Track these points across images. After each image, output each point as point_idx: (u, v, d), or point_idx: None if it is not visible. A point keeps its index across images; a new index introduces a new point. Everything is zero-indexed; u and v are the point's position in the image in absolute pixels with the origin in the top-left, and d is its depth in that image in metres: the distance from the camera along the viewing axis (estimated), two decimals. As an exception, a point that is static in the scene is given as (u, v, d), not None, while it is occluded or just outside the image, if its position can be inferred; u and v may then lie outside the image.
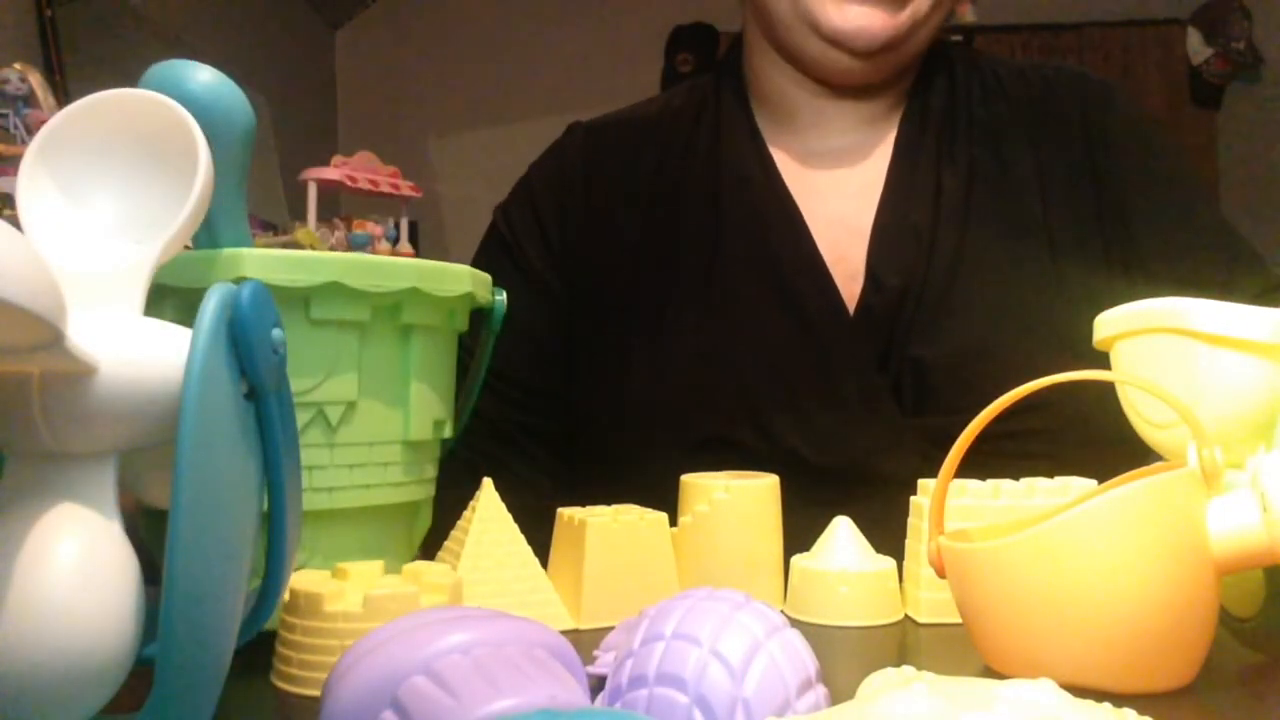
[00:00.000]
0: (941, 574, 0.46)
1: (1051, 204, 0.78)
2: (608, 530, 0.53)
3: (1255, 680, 0.44)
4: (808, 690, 0.33)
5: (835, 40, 0.74)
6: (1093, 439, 0.67)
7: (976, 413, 0.45)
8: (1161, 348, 0.48)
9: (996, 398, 0.45)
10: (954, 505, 0.52)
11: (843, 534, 0.56)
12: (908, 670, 0.32)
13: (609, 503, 0.58)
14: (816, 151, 0.82)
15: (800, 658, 0.34)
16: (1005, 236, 0.77)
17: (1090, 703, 0.27)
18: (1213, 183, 3.31)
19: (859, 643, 0.51)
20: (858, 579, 0.53)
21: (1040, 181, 0.78)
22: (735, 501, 0.56)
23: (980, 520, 0.51)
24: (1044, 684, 0.27)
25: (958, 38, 3.36)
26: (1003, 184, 0.78)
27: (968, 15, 3.39)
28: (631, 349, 0.79)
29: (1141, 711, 0.28)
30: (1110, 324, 0.52)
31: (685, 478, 0.59)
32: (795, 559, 0.56)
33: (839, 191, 0.80)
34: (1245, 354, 0.44)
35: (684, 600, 0.35)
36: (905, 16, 0.74)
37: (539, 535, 0.56)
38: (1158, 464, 0.47)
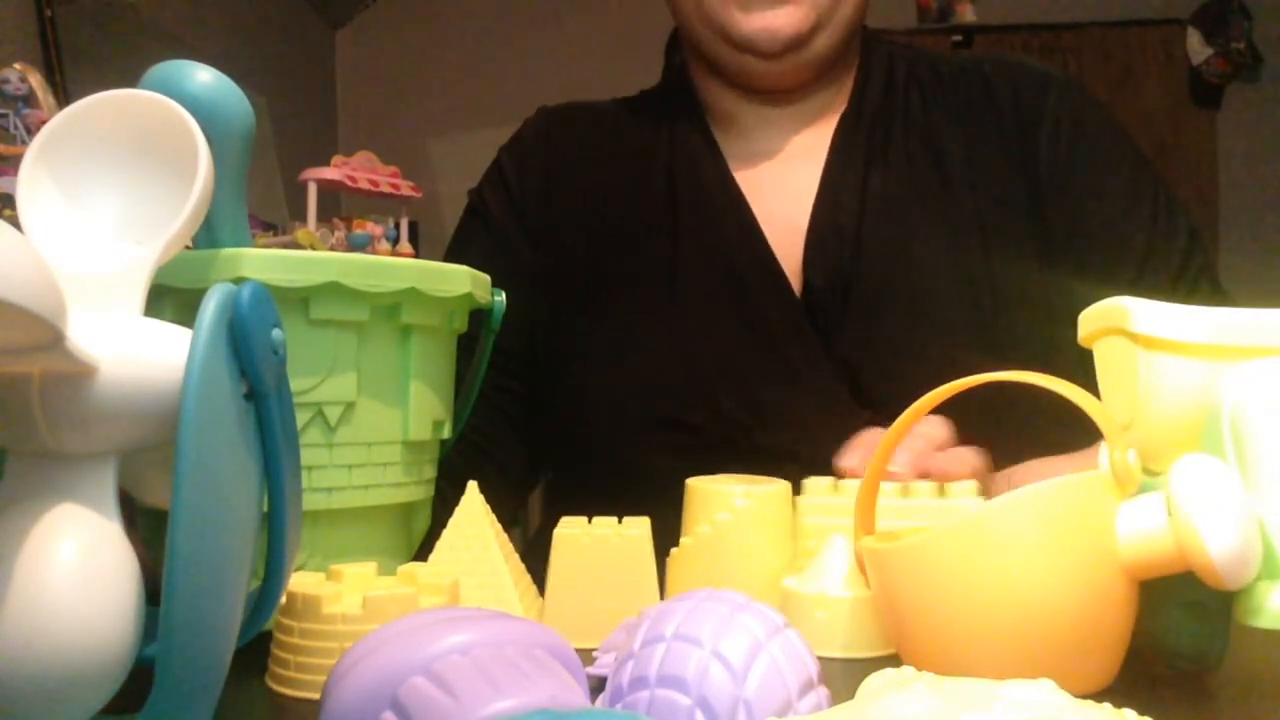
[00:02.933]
0: (865, 574, 0.46)
1: (985, 198, 0.78)
2: (575, 543, 0.50)
3: (1252, 682, 0.44)
4: (809, 691, 0.33)
5: (744, 45, 0.76)
6: (1009, 445, 0.68)
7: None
8: (1116, 349, 0.47)
9: (923, 392, 0.45)
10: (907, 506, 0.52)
11: (835, 553, 0.50)
12: (908, 670, 0.32)
13: (571, 476, 0.56)
14: (760, 152, 0.84)
15: (801, 658, 0.34)
16: (937, 235, 0.77)
17: (1090, 703, 0.27)
18: (1213, 183, 3.31)
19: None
20: (838, 604, 0.48)
21: (974, 176, 0.79)
22: (756, 510, 0.52)
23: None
24: (1044, 684, 0.27)
25: (958, 38, 3.37)
26: (936, 182, 0.79)
27: (968, 15, 3.39)
28: (588, 332, 0.81)
29: (1142, 711, 0.28)
30: (1084, 322, 0.51)
31: (693, 482, 0.55)
32: (784, 580, 0.51)
33: (779, 192, 0.82)
34: (1182, 356, 0.43)
35: (684, 601, 0.35)
36: (809, 8, 0.75)
37: (520, 512, 0.55)
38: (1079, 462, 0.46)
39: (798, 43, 0.76)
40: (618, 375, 0.79)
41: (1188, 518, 0.37)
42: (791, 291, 0.78)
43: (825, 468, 0.65)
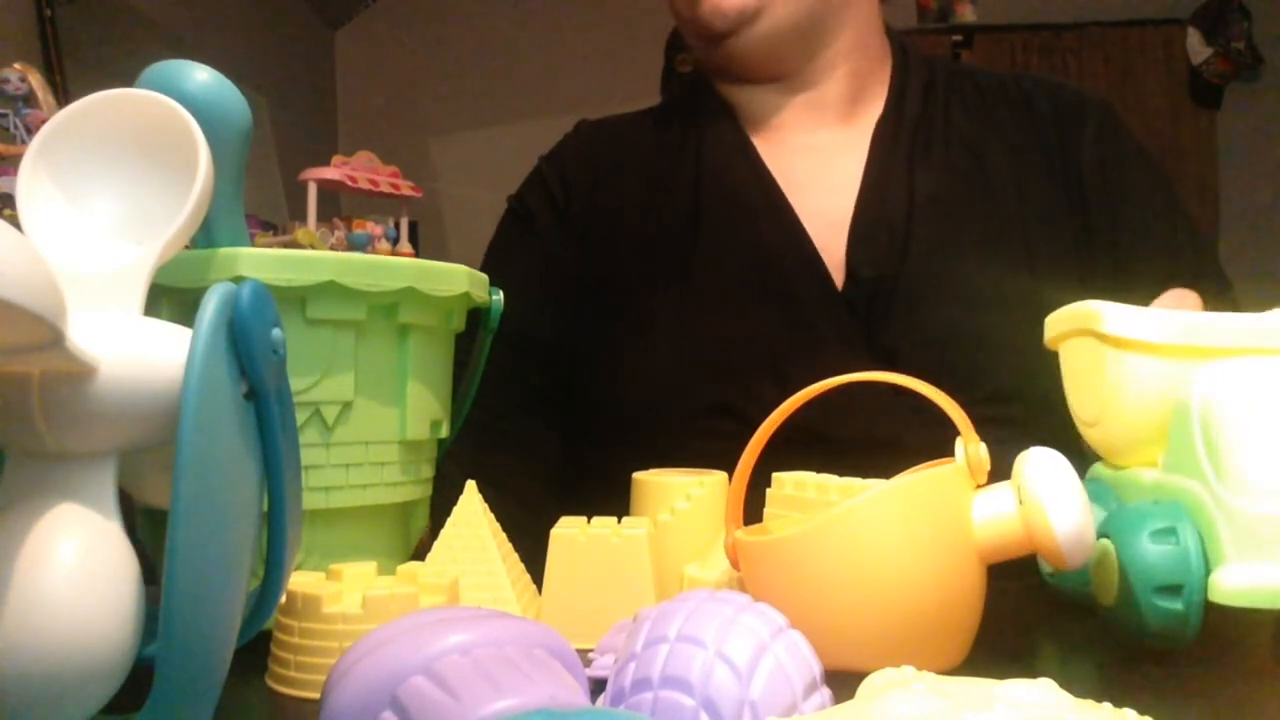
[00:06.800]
0: (736, 567, 0.47)
1: (1028, 207, 0.82)
2: (572, 543, 0.50)
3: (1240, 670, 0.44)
4: (813, 692, 0.33)
5: (700, 32, 0.80)
6: (1066, 425, 0.70)
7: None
8: (1085, 349, 0.50)
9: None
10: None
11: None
12: (908, 670, 0.32)
13: (607, 471, 0.57)
14: (797, 147, 0.86)
15: (805, 659, 0.34)
16: (980, 234, 0.80)
17: (1090, 703, 0.27)
18: (1213, 183, 3.31)
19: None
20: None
21: (1017, 184, 0.82)
22: (695, 508, 0.54)
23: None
24: (1044, 684, 0.27)
25: (958, 37, 3.37)
26: (979, 185, 0.82)
27: (968, 15, 3.39)
28: (632, 330, 0.83)
29: (1143, 711, 0.28)
30: (1051, 325, 0.54)
31: (639, 476, 0.57)
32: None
33: (820, 185, 0.84)
34: (1148, 356, 0.47)
35: (685, 603, 0.35)
36: None
37: (549, 510, 0.55)
38: (936, 460, 0.48)
39: (747, 18, 0.79)
40: (661, 367, 0.81)
41: (1038, 505, 0.42)
42: (832, 281, 0.79)
43: (861, 450, 0.67)
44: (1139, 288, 0.79)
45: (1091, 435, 0.52)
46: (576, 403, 0.88)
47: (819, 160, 0.85)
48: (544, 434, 0.88)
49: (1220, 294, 0.82)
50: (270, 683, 0.43)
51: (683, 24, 0.81)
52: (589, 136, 0.95)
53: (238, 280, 0.35)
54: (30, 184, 0.37)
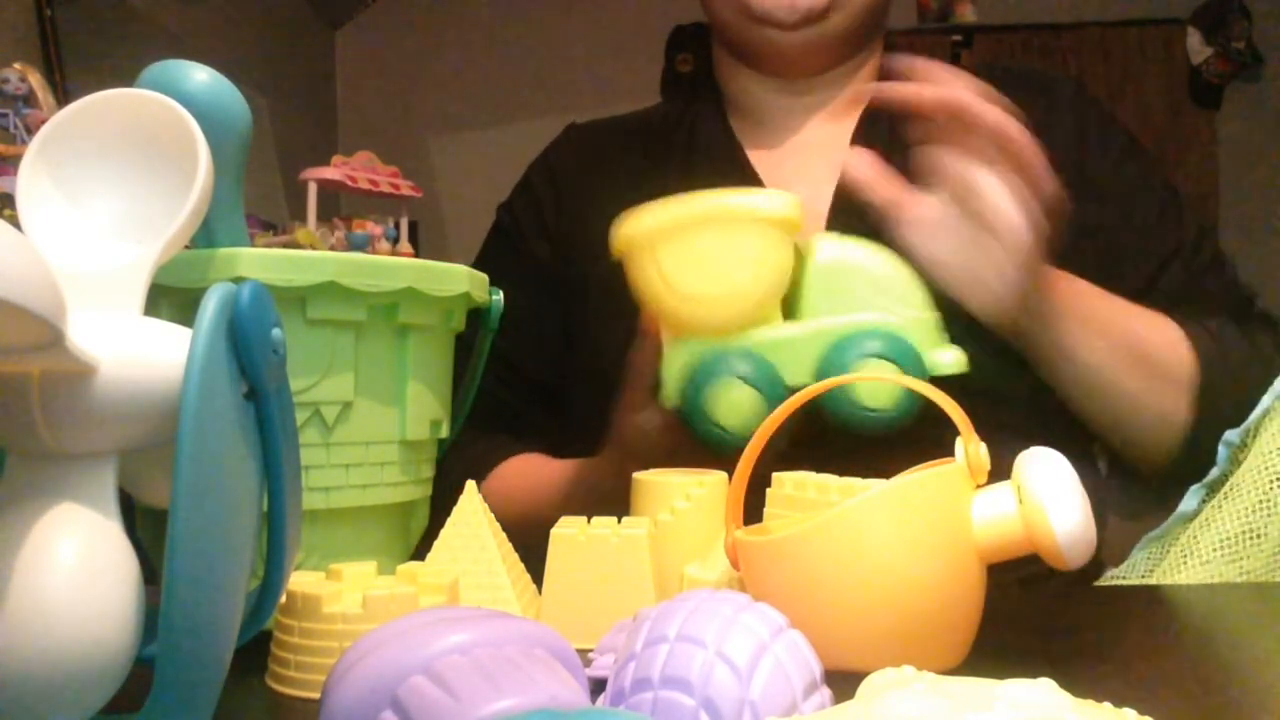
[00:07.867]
0: (736, 567, 0.47)
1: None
2: (572, 543, 0.50)
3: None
4: (813, 692, 0.33)
5: (764, 18, 0.80)
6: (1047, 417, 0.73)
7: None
8: (700, 240, 0.58)
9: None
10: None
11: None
12: (908, 670, 0.32)
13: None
14: (785, 145, 0.87)
15: (805, 659, 0.34)
16: None
17: (1090, 703, 0.27)
18: (1213, 182, 3.31)
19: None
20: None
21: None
22: (695, 508, 0.54)
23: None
24: (1044, 684, 0.27)
25: (957, 37, 3.37)
26: None
27: (968, 15, 3.39)
28: (614, 332, 0.83)
29: (1142, 711, 0.28)
30: (638, 226, 0.60)
31: (639, 476, 0.57)
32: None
33: (804, 179, 0.85)
34: (761, 228, 0.58)
35: (685, 602, 0.35)
36: None
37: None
38: (936, 460, 0.48)
39: (814, 15, 0.80)
40: (649, 368, 0.81)
41: (1038, 505, 0.42)
42: None
43: (856, 445, 0.67)
44: (1129, 271, 0.80)
45: (708, 311, 0.59)
46: (566, 406, 0.89)
47: (809, 157, 0.86)
48: (541, 422, 0.89)
49: (1220, 279, 0.83)
50: (270, 683, 0.43)
51: (744, 9, 0.81)
52: (578, 140, 0.96)
53: (238, 280, 0.35)
54: (30, 184, 0.37)
